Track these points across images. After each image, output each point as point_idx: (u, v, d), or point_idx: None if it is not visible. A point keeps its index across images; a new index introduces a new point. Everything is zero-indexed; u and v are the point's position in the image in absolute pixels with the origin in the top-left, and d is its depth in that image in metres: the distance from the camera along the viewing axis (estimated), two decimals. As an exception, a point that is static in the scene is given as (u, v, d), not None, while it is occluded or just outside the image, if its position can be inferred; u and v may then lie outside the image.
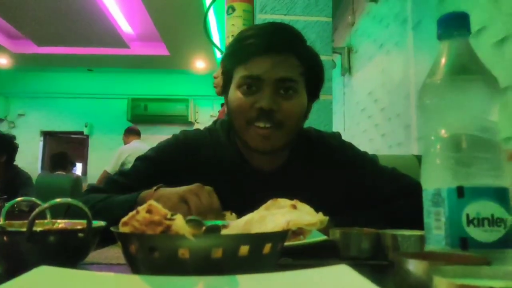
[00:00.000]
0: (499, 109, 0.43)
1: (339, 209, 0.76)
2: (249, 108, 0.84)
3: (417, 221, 0.51)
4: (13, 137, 2.70)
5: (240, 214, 0.53)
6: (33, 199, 0.61)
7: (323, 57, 0.95)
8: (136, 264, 0.40)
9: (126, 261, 0.41)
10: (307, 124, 0.97)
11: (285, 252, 0.47)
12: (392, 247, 0.54)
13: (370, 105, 3.04)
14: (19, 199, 0.62)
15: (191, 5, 3.88)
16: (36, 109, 6.40)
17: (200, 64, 5.75)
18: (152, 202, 0.40)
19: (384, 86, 2.77)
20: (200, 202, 0.71)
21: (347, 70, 3.56)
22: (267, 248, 0.40)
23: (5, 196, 2.16)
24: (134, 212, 0.40)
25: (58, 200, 0.47)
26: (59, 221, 0.58)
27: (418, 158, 1.49)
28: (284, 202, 0.48)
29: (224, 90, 0.94)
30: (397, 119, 2.53)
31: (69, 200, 0.48)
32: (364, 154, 1.00)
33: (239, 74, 0.86)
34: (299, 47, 0.87)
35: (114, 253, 0.60)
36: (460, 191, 0.40)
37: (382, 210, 0.87)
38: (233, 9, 1.76)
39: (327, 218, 0.43)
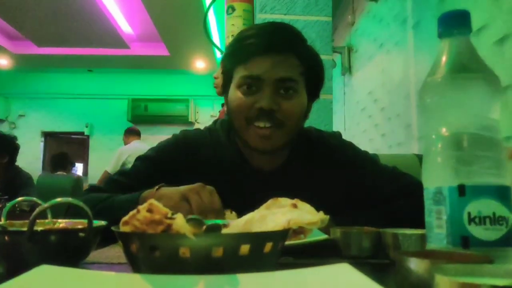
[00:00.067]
0: (500, 108, 0.43)
1: (339, 209, 0.76)
2: (249, 108, 0.84)
3: (417, 221, 0.51)
4: (15, 138, 2.70)
5: (240, 214, 0.53)
6: (34, 199, 0.61)
7: (323, 57, 0.95)
8: (137, 263, 0.40)
9: (127, 261, 0.41)
10: (307, 123, 0.97)
11: (286, 251, 0.47)
12: (393, 246, 0.54)
13: (370, 104, 3.04)
14: (20, 199, 0.62)
15: (191, 5, 3.88)
16: (37, 110, 6.40)
17: (200, 64, 5.75)
18: (152, 201, 0.40)
19: (384, 85, 2.77)
20: (202, 201, 0.71)
21: (348, 69, 3.56)
22: (268, 247, 0.40)
23: (6, 196, 2.16)
24: (134, 211, 0.40)
25: (58, 199, 0.47)
26: (60, 220, 0.58)
27: (419, 157, 1.49)
28: (285, 201, 0.48)
29: (224, 90, 0.94)
30: (397, 119, 2.53)
31: (69, 199, 0.48)
32: (365, 153, 1.00)
33: (239, 74, 0.86)
34: (299, 47, 0.87)
35: (115, 252, 0.60)
36: (462, 190, 0.40)
37: (382, 210, 0.87)
38: (233, 9, 1.76)
39: (328, 217, 0.43)
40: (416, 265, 0.34)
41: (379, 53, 2.87)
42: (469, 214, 0.40)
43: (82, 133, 6.44)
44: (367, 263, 0.55)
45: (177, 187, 0.75)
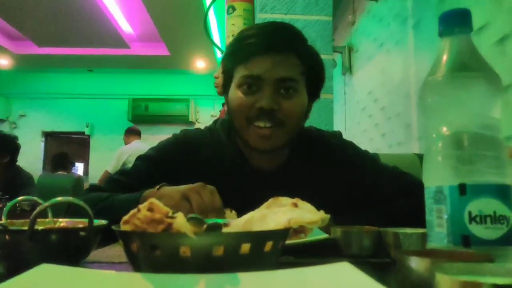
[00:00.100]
0: (501, 107, 0.43)
1: (339, 209, 0.75)
2: (250, 107, 0.84)
3: (417, 221, 0.51)
4: (16, 138, 2.71)
5: (240, 214, 0.53)
6: (35, 198, 0.61)
7: (323, 56, 0.95)
8: (137, 263, 0.40)
9: (128, 260, 0.41)
10: (308, 123, 0.97)
11: (287, 250, 0.47)
12: (394, 245, 0.54)
13: (370, 104, 3.04)
14: (20, 198, 0.62)
15: (191, 5, 3.88)
16: (37, 110, 6.41)
17: (200, 64, 5.75)
18: (153, 200, 0.40)
19: (384, 85, 2.77)
20: (202, 200, 0.71)
21: (348, 69, 3.56)
22: (268, 246, 0.40)
23: (7, 196, 2.16)
24: (135, 210, 0.40)
25: (59, 198, 0.47)
26: (60, 220, 0.58)
27: (419, 157, 1.49)
28: (285, 200, 0.48)
29: (224, 89, 0.93)
30: (397, 118, 2.53)
31: (70, 199, 0.48)
32: (365, 153, 1.00)
33: (239, 74, 0.86)
34: (299, 46, 0.87)
35: (115, 251, 0.60)
36: (462, 189, 0.40)
37: (383, 209, 0.87)
38: (233, 9, 1.76)
39: (328, 216, 0.43)
40: (417, 264, 0.34)
41: (379, 53, 2.87)
42: (469, 213, 0.40)
43: (82, 133, 6.44)
44: (367, 262, 0.55)
45: (177, 187, 0.75)
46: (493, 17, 1.51)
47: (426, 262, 0.33)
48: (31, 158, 5.77)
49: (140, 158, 0.95)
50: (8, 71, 6.02)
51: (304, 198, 0.48)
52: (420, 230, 0.53)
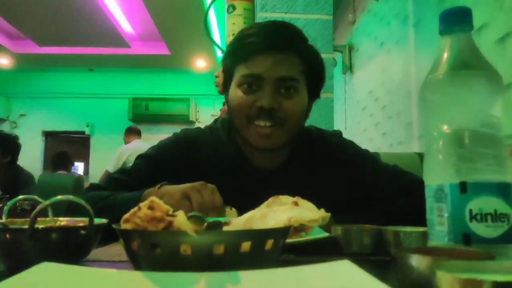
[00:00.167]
0: (502, 106, 0.43)
1: (340, 208, 0.75)
2: (250, 106, 0.84)
3: (418, 220, 0.51)
4: (17, 137, 2.71)
5: (241, 212, 0.53)
6: (35, 197, 0.61)
7: (324, 55, 0.95)
8: (138, 261, 0.40)
9: (128, 258, 0.41)
10: (308, 122, 0.97)
11: (287, 249, 0.47)
12: (394, 243, 0.54)
13: (371, 103, 3.03)
14: (21, 197, 0.62)
15: (192, 4, 3.88)
16: (38, 109, 6.41)
17: (201, 63, 5.74)
18: (153, 198, 0.40)
19: (385, 84, 2.77)
20: (203, 199, 0.71)
21: (348, 68, 3.56)
22: (269, 244, 0.40)
23: (8, 195, 2.17)
24: (135, 208, 0.40)
25: (59, 197, 0.47)
26: (61, 218, 0.58)
27: (420, 156, 1.49)
28: (286, 199, 0.48)
29: (224, 88, 0.93)
30: (398, 117, 2.53)
31: (70, 197, 0.48)
32: (365, 152, 1.00)
33: (239, 73, 0.86)
34: (300, 46, 0.87)
35: (116, 250, 0.60)
36: (463, 187, 0.40)
37: (383, 208, 0.87)
38: (234, 8, 1.76)
39: (329, 214, 0.43)
40: (417, 261, 0.34)
41: (380, 52, 2.86)
42: (470, 211, 0.39)
43: (83, 133, 6.44)
44: (368, 260, 0.55)
45: (178, 185, 0.75)
46: (493, 17, 1.51)
47: (427, 260, 0.33)
48: (31, 157, 5.77)
49: (140, 157, 0.95)
50: (8, 71, 6.02)
51: (304, 197, 0.48)
52: (421, 229, 0.53)
